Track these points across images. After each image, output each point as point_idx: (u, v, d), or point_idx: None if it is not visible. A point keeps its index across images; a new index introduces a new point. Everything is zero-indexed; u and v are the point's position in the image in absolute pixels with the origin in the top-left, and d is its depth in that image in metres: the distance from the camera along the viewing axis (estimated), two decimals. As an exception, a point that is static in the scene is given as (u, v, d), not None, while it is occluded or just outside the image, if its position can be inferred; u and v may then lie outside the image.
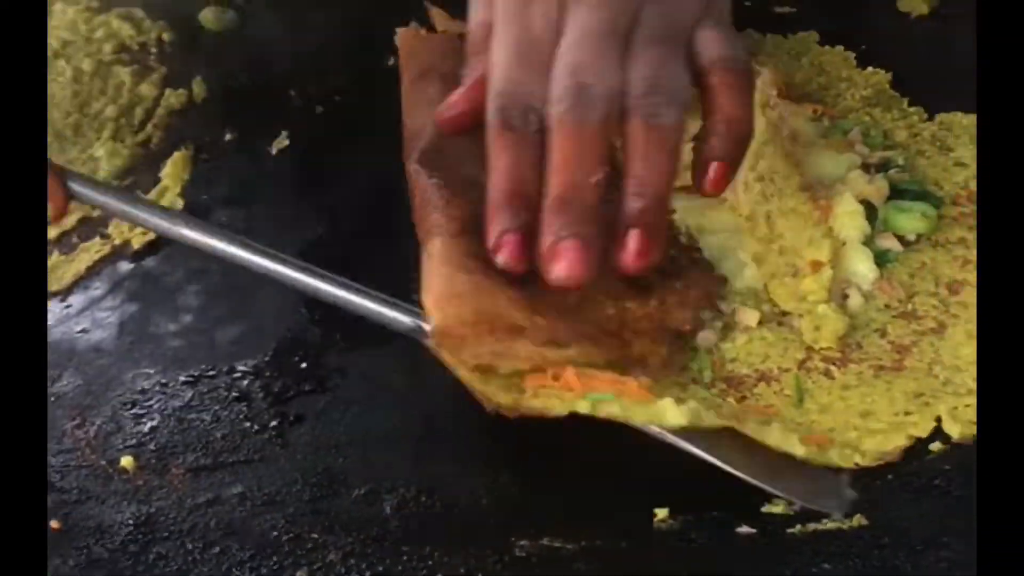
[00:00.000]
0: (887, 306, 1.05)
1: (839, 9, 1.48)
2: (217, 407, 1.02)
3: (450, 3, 1.49)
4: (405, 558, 0.89)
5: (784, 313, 1.05)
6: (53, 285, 1.21)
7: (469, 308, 0.87)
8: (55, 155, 1.38)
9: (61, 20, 1.65)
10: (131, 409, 1.04)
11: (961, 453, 0.96)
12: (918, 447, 0.97)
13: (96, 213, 1.29)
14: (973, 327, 1.01)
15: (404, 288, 0.99)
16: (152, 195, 1.30)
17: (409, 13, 1.51)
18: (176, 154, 1.33)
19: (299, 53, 1.55)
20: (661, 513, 0.92)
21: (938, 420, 0.96)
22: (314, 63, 1.53)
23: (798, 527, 0.91)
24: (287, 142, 1.39)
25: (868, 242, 1.06)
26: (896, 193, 1.11)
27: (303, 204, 1.29)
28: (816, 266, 1.03)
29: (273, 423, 1.02)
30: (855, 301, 1.04)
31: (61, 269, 1.24)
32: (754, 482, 0.91)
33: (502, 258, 0.87)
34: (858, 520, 0.91)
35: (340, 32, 1.58)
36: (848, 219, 1.06)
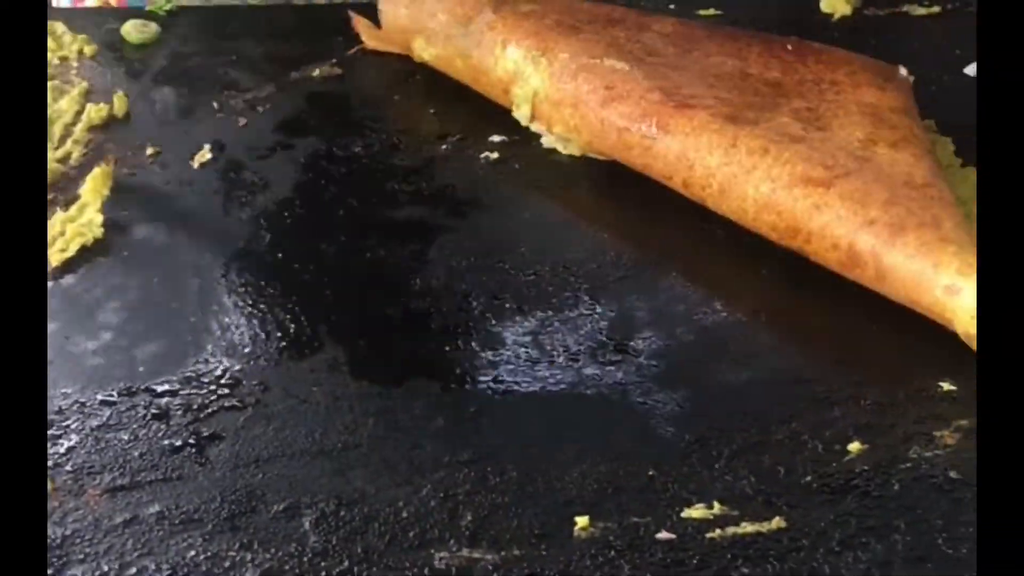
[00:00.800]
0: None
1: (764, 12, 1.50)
2: (135, 425, 1.01)
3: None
4: (324, 573, 0.88)
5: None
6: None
7: None
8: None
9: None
10: (48, 430, 1.02)
11: (878, 453, 0.97)
12: (837, 448, 0.97)
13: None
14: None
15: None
16: (72, 211, 1.27)
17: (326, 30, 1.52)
18: (96, 169, 1.31)
19: (221, 65, 1.54)
20: (581, 521, 0.92)
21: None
22: (236, 74, 1.52)
23: (717, 531, 0.91)
24: (209, 155, 1.37)
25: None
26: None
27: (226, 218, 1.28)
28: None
29: (192, 440, 1.00)
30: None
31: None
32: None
33: None
34: (777, 523, 0.91)
35: (263, 42, 1.57)
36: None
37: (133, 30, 1.59)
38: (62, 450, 1.00)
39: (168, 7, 1.64)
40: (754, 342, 1.09)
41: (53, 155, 1.38)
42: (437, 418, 1.02)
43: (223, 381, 1.07)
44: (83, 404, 1.05)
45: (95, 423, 1.03)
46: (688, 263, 1.19)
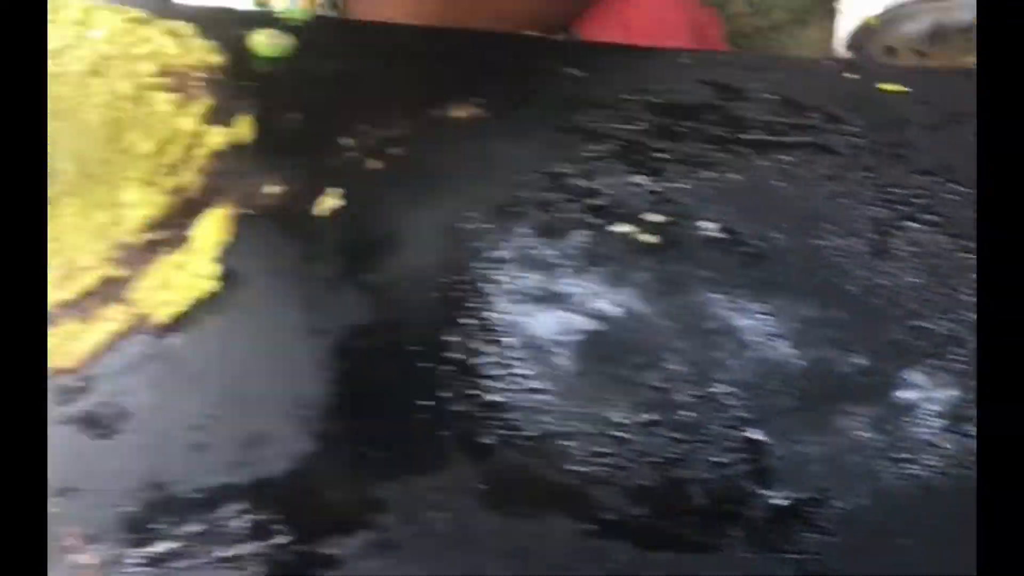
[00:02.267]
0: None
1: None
2: (232, 538, 0.89)
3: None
4: None
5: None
6: (61, 360, 1.07)
7: None
8: (78, 198, 1.23)
9: (106, 31, 1.51)
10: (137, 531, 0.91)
11: None
12: None
13: (121, 273, 1.15)
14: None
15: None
16: (183, 256, 1.15)
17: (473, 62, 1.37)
18: (213, 210, 1.18)
19: (356, 92, 1.40)
20: None
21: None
22: (371, 106, 1.38)
23: None
24: (336, 202, 1.24)
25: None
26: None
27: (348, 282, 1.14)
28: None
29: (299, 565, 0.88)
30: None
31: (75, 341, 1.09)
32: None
33: None
34: None
35: (403, 69, 1.43)
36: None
37: (266, 40, 1.45)
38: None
39: (301, 16, 1.50)
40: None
41: (166, 184, 1.25)
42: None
43: (330, 493, 0.93)
44: (174, 500, 0.92)
45: (191, 529, 0.90)
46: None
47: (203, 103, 1.39)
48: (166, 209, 1.24)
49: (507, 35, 1.51)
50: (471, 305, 1.12)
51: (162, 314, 1.11)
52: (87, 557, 0.91)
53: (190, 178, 1.28)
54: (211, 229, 1.20)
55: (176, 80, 1.44)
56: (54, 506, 0.95)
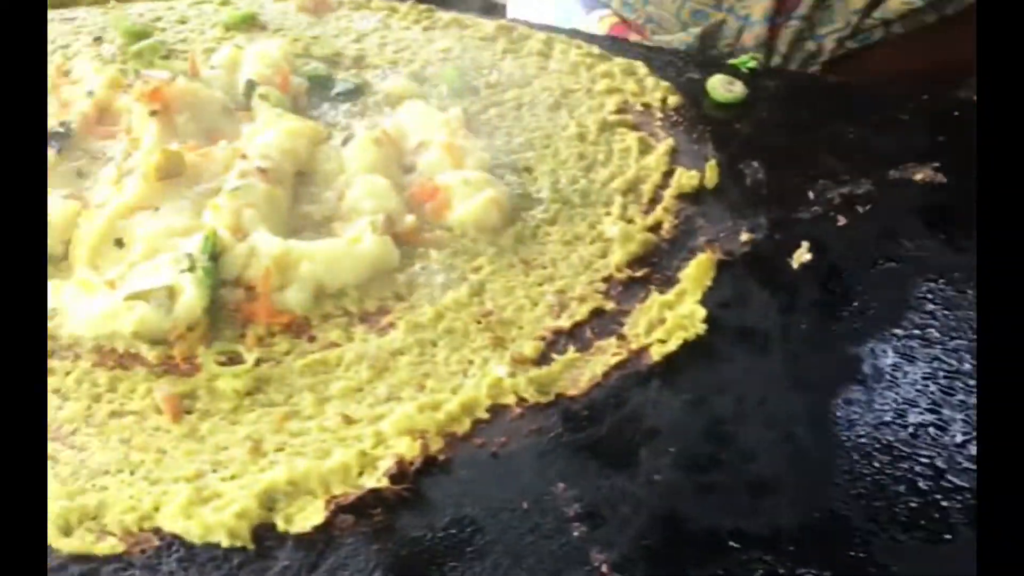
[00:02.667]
0: None
1: None
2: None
3: None
4: None
5: None
6: (565, 387, 1.13)
7: None
8: (560, 227, 1.30)
9: (559, 64, 1.58)
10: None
11: None
12: None
13: (610, 306, 1.20)
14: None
15: None
16: (670, 296, 1.19)
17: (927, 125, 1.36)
18: (701, 256, 1.22)
19: (811, 144, 1.42)
20: None
21: None
22: (829, 160, 1.40)
23: None
24: (808, 255, 1.26)
25: None
26: None
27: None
28: None
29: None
30: None
31: (577, 368, 1.15)
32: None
33: None
34: None
35: (856, 126, 1.44)
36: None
37: (720, 87, 1.50)
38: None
39: (752, 64, 1.53)
40: None
41: (643, 221, 1.30)
42: None
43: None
44: (691, 538, 0.96)
45: (711, 572, 0.94)
46: None
47: (667, 143, 1.44)
48: (645, 247, 1.29)
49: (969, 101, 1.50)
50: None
51: (655, 352, 1.16)
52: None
53: (662, 217, 1.33)
54: (698, 272, 1.23)
55: (637, 118, 1.49)
56: (575, 530, 1.00)
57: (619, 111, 1.47)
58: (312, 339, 1.15)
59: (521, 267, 1.25)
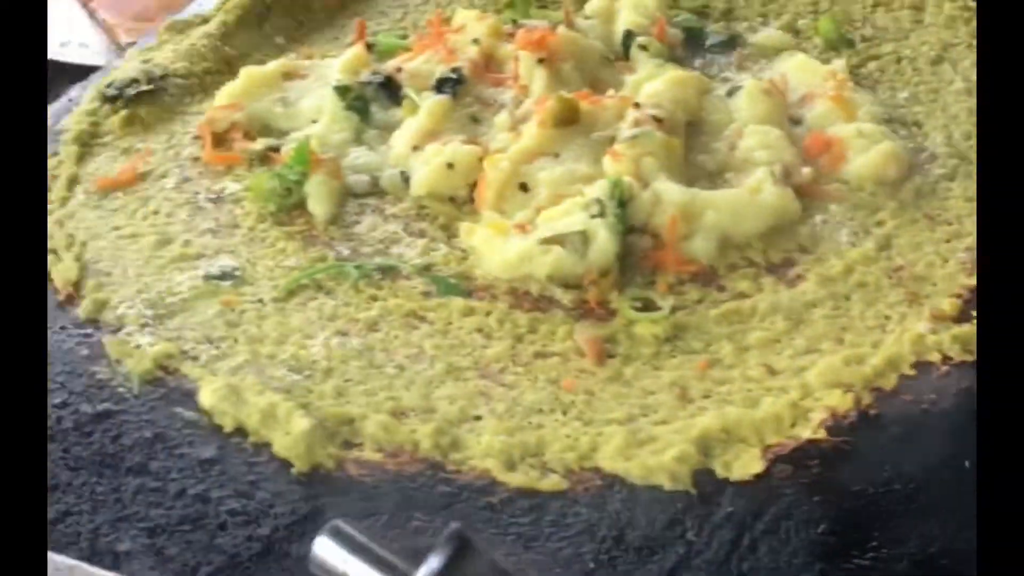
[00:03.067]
0: None
1: None
2: None
3: None
4: None
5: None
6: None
7: None
8: (961, 180, 1.26)
9: (934, 18, 1.51)
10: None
11: None
12: None
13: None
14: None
15: None
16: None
17: None
18: None
19: None
20: None
21: None
22: None
23: None
24: None
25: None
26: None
27: None
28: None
29: None
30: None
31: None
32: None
33: None
34: None
35: None
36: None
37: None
38: None
39: None
40: None
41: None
42: None
43: None
44: None
45: None
46: None
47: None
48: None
49: None
50: None
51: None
52: None
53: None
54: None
55: None
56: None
57: None
58: (722, 288, 1.16)
59: (926, 222, 1.22)
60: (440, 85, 1.36)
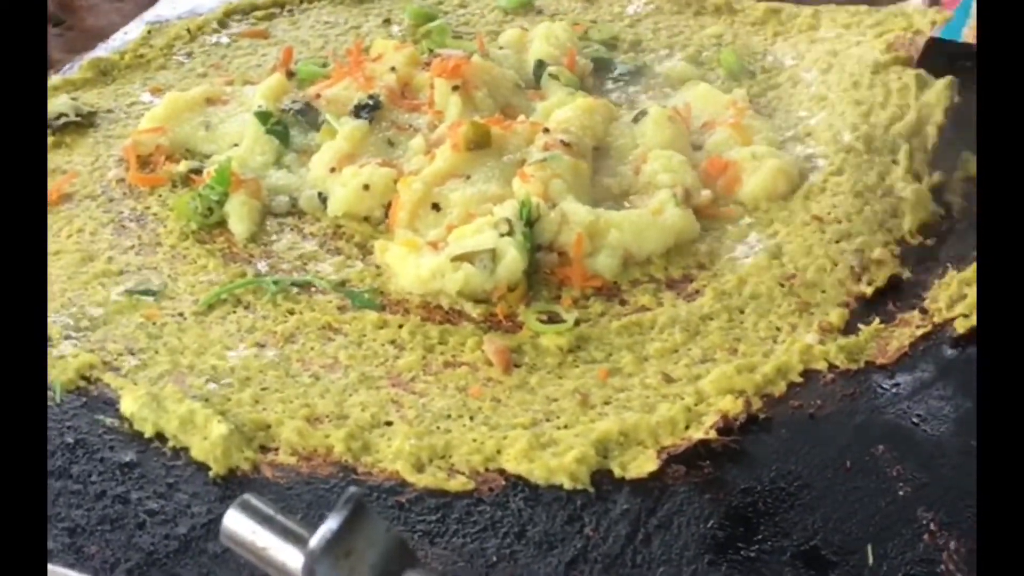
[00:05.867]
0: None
1: None
2: None
3: None
4: None
5: None
6: (873, 355, 1.15)
7: None
8: (849, 173, 1.34)
9: (828, 31, 1.59)
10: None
11: None
12: None
13: (907, 275, 1.22)
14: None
15: None
16: (967, 272, 1.20)
17: None
18: None
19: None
20: None
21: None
22: None
23: None
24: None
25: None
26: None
27: None
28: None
29: None
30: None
31: (883, 338, 1.17)
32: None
33: None
34: None
35: None
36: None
37: None
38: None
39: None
40: None
41: (930, 180, 1.33)
42: None
43: None
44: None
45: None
46: None
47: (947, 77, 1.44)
48: (935, 217, 1.31)
49: None
50: None
51: (959, 326, 1.17)
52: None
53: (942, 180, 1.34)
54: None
55: (910, 51, 1.50)
56: (900, 489, 1.02)
57: (889, 49, 1.48)
58: (623, 303, 1.20)
59: (815, 224, 1.27)
60: (358, 111, 1.40)
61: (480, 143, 1.31)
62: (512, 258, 1.18)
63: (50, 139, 1.45)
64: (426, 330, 1.17)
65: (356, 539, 0.69)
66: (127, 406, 1.06)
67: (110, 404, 1.08)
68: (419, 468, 1.02)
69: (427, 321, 1.18)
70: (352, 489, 0.72)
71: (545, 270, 1.23)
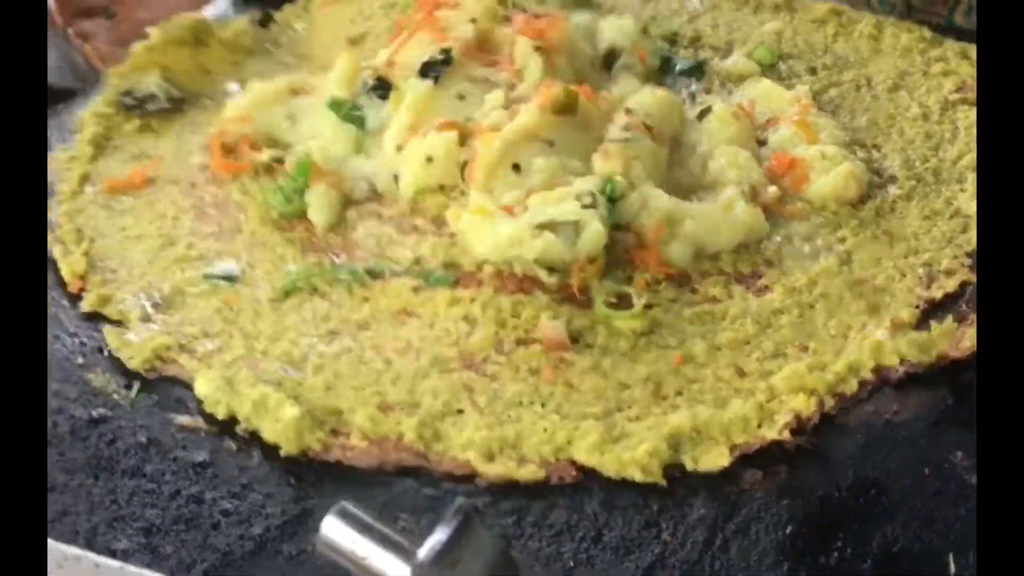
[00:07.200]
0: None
1: None
2: None
3: None
4: None
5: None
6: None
7: None
8: (915, 202, 1.18)
9: (891, 48, 1.44)
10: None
11: None
12: None
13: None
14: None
15: None
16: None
17: None
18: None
19: None
20: None
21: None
22: None
23: None
24: None
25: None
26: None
27: None
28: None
29: None
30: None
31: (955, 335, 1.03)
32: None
33: None
34: None
35: None
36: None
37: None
38: None
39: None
40: None
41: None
42: None
43: None
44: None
45: None
46: None
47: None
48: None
49: None
50: None
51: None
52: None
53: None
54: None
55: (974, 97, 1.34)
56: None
57: (958, 90, 1.32)
58: (694, 291, 1.08)
59: (884, 239, 1.14)
60: (425, 69, 1.24)
61: (568, 108, 1.17)
62: (595, 231, 1.06)
63: (137, 123, 1.32)
64: (498, 302, 1.05)
65: (464, 550, 0.65)
66: (201, 388, 0.96)
67: (181, 402, 0.97)
68: (489, 457, 0.91)
69: (500, 292, 1.06)
70: (460, 500, 0.70)
71: (619, 250, 1.09)
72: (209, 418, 0.95)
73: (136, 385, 0.99)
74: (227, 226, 1.18)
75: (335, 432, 0.93)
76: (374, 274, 1.09)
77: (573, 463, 0.90)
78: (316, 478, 0.90)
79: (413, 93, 1.22)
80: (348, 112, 1.24)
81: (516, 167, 1.12)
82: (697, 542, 0.84)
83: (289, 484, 0.90)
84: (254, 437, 0.93)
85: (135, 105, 1.34)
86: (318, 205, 1.17)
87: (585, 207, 1.07)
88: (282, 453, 0.91)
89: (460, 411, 0.95)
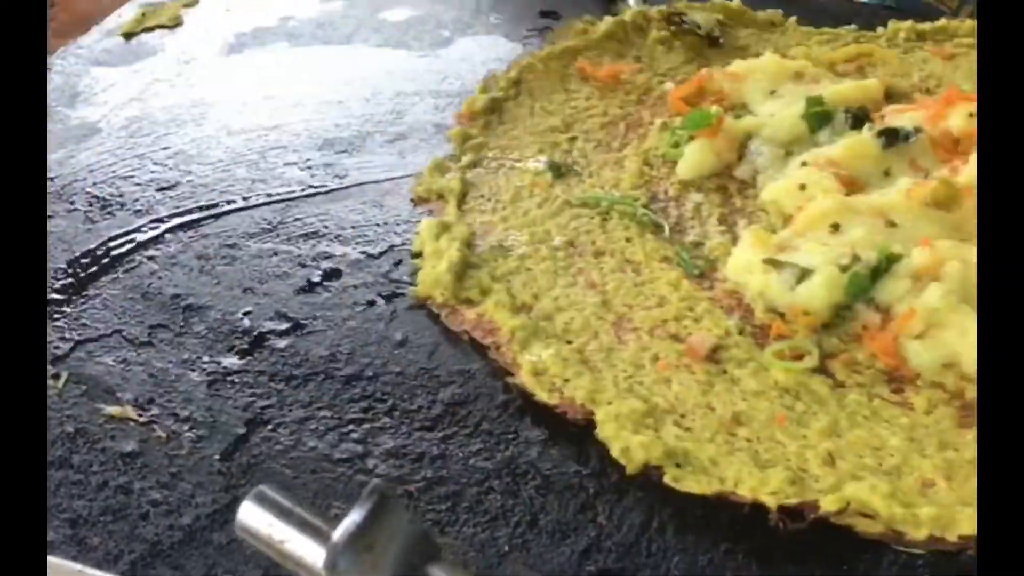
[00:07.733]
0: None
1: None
2: None
3: None
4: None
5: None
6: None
7: None
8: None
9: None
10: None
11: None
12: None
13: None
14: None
15: None
16: None
17: None
18: None
19: None
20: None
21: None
22: None
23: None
24: None
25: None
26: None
27: None
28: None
29: None
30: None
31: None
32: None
33: None
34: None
35: None
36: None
37: None
38: None
39: None
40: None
41: None
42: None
43: None
44: None
45: None
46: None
47: None
48: None
49: None
50: None
51: None
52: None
53: None
54: None
55: None
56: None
57: None
58: (898, 391, 0.92)
59: None
60: (891, 132, 1.15)
61: (943, 204, 1.04)
62: (814, 284, 0.96)
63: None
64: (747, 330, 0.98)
65: (379, 532, 0.61)
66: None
67: (110, 392, 0.94)
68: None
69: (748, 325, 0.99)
70: (375, 481, 0.65)
71: (857, 324, 0.96)
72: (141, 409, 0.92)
73: (64, 375, 0.95)
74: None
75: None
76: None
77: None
78: (247, 466, 0.86)
79: (855, 140, 1.15)
80: (818, 122, 1.20)
81: (836, 226, 1.04)
82: (634, 525, 0.79)
83: (220, 473, 0.86)
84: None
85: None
86: (689, 159, 1.17)
87: (841, 267, 0.97)
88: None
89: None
